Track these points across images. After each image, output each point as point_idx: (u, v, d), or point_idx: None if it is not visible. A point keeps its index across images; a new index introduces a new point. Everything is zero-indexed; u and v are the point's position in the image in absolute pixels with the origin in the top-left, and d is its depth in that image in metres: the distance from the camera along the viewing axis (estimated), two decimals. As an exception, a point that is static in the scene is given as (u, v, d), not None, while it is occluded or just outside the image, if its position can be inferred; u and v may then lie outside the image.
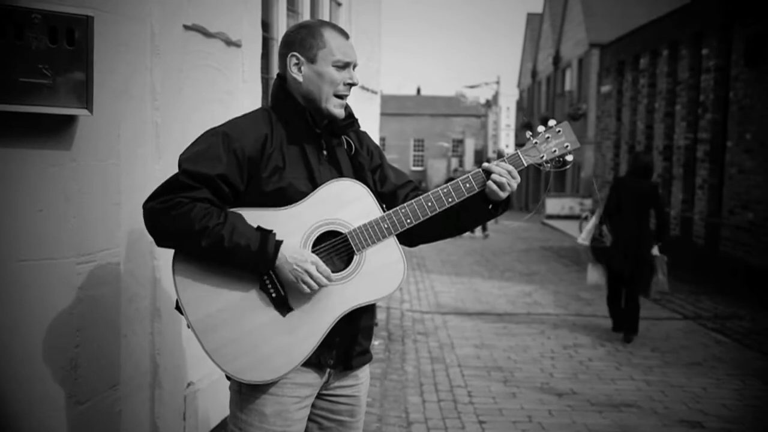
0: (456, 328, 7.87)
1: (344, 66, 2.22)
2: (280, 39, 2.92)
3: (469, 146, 38.21)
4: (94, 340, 2.69)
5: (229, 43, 3.79)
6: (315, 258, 2.09)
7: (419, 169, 47.18)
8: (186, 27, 3.36)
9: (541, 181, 31.42)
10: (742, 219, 10.09)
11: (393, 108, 44.79)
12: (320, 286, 2.08)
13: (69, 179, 2.56)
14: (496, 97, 38.96)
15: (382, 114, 8.81)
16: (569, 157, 2.28)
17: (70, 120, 2.53)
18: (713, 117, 11.32)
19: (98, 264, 2.70)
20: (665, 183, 13.12)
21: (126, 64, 2.85)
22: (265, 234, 2.06)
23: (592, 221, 7.71)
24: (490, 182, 2.21)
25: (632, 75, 15.13)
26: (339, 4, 6.03)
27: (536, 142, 2.27)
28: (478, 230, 18.81)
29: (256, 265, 2.07)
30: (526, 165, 2.27)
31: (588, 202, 19.55)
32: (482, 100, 48.69)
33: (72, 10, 2.42)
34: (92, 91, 2.49)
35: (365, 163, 2.34)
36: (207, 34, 3.55)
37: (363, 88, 6.77)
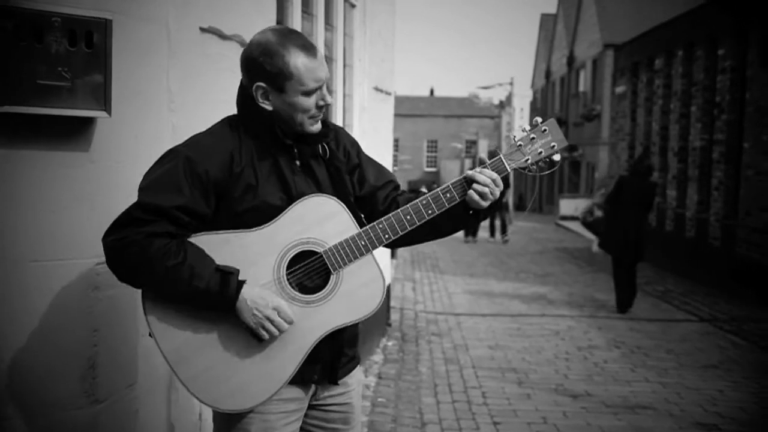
0: (470, 329, 7.86)
1: (315, 90, 2.07)
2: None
3: (483, 147, 38.12)
4: (111, 339, 2.72)
5: (244, 45, 3.81)
6: (277, 303, 2.00)
7: (432, 170, 47.15)
8: (202, 29, 3.38)
9: (555, 183, 31.29)
10: (759, 221, 10.01)
11: (406, 109, 44.78)
12: (280, 332, 2.01)
13: (87, 180, 2.58)
14: (509, 98, 38.87)
15: (396, 115, 8.81)
16: (556, 157, 2.17)
17: (89, 122, 2.56)
18: (729, 118, 11.24)
19: (116, 264, 2.72)
20: (680, 184, 13.04)
21: (143, 67, 2.87)
22: (226, 277, 1.97)
23: (591, 201, 9.65)
24: (471, 192, 2.13)
25: (647, 76, 15.05)
26: (353, 6, 6.04)
27: (520, 144, 2.16)
28: (482, 233, 18.59)
29: (215, 307, 2.00)
30: (510, 170, 2.17)
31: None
32: (496, 101, 48.63)
33: (91, 13, 2.44)
34: (110, 93, 2.51)
35: (342, 167, 2.23)
36: (223, 36, 3.57)
37: (377, 89, 6.77)
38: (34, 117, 2.39)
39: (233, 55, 3.71)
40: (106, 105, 2.50)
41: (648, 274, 12.38)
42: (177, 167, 2.02)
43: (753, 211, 10.23)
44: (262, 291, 2.01)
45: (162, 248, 1.95)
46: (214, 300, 1.98)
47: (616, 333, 7.72)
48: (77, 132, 2.54)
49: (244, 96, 2.14)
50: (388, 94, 7.38)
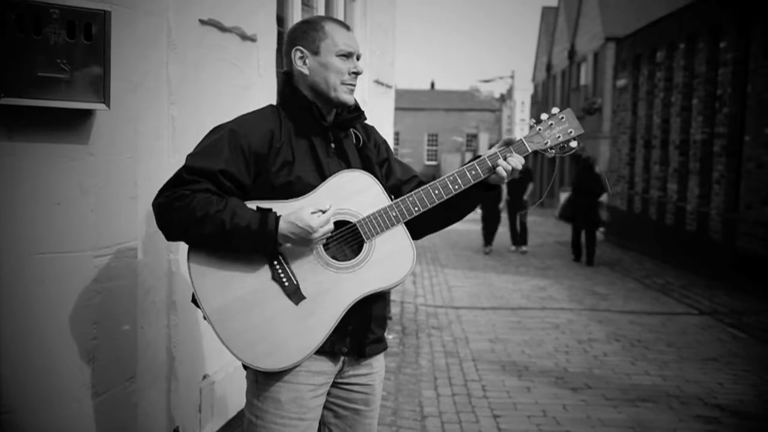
0: (470, 322, 7.87)
1: (348, 55, 2.26)
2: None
3: (483, 141, 38.10)
4: (111, 332, 2.72)
5: (244, 37, 3.80)
6: (309, 215, 2.10)
7: (433, 163, 47.09)
8: (202, 21, 3.37)
9: (555, 177, 31.27)
10: (760, 214, 9.99)
11: (407, 102, 44.69)
12: (324, 232, 2.10)
13: (86, 173, 2.58)
14: (510, 91, 38.76)
15: (396, 108, 8.81)
16: (573, 143, 2.34)
17: (88, 114, 2.55)
18: (731, 111, 11.20)
19: (115, 257, 2.72)
20: (681, 177, 13.03)
21: (143, 59, 2.86)
22: (265, 213, 2.10)
23: (564, 200, 13.47)
24: (500, 168, 2.26)
25: (648, 69, 15.00)
26: (353, -2, 6.03)
27: (540, 129, 2.34)
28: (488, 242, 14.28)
29: (259, 244, 2.11)
30: (530, 151, 2.32)
31: (603, 197, 19.42)
32: (497, 95, 48.50)
33: (89, 5, 2.44)
34: (109, 86, 2.51)
35: (372, 157, 2.38)
36: (222, 28, 3.56)
37: (377, 82, 6.76)
38: (34, 109, 2.39)
39: (233, 47, 3.71)
40: (105, 97, 2.50)
41: (648, 267, 12.37)
42: (222, 138, 2.18)
43: (754, 205, 10.22)
44: (295, 211, 2.12)
45: (205, 199, 2.10)
46: (256, 236, 2.09)
47: (616, 326, 7.72)
48: (76, 124, 2.53)
49: (286, 81, 2.32)
50: (389, 87, 7.36)
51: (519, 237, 14.32)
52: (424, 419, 4.81)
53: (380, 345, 2.37)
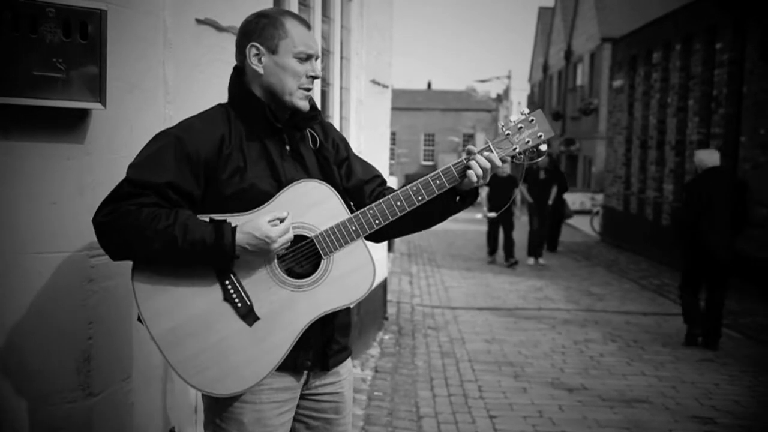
0: (466, 322, 7.87)
1: (307, 58, 2.12)
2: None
3: (480, 141, 38.13)
4: (106, 332, 2.71)
5: (241, 37, 3.79)
6: (267, 225, 1.97)
7: (430, 163, 47.12)
8: (198, 21, 3.36)
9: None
10: (756, 215, 10.01)
11: (404, 102, 44.71)
12: (282, 242, 1.98)
13: (83, 172, 2.57)
14: (507, 91, 38.80)
15: (393, 108, 8.81)
16: (543, 147, 2.19)
17: (84, 113, 2.54)
18: (726, 112, 11.23)
19: (111, 257, 2.71)
20: (677, 178, 13.05)
21: (139, 58, 2.86)
22: (219, 224, 1.97)
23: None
24: (470, 172, 2.12)
25: (645, 69, 15.03)
26: (350, -2, 6.01)
27: (508, 133, 2.18)
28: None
29: (215, 258, 1.98)
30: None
31: (599, 197, 19.47)
32: (493, 95, 48.55)
33: (85, 3, 2.43)
34: (105, 85, 2.50)
35: (330, 157, 2.24)
36: (219, 28, 3.55)
37: (374, 82, 6.75)
38: (30, 108, 2.38)
39: (229, 46, 3.69)
40: (101, 97, 2.49)
41: (644, 268, 12.39)
42: (167, 147, 2.03)
43: (749, 206, 10.23)
44: (251, 220, 2.00)
45: (152, 213, 1.96)
46: (212, 251, 1.96)
47: (612, 327, 7.73)
48: (73, 124, 2.52)
49: (236, 78, 2.18)
50: (386, 87, 7.35)
51: (549, 243, 13.93)
52: (421, 420, 4.81)
53: (344, 354, 2.27)
